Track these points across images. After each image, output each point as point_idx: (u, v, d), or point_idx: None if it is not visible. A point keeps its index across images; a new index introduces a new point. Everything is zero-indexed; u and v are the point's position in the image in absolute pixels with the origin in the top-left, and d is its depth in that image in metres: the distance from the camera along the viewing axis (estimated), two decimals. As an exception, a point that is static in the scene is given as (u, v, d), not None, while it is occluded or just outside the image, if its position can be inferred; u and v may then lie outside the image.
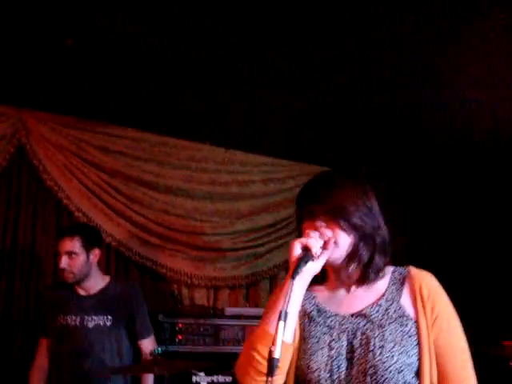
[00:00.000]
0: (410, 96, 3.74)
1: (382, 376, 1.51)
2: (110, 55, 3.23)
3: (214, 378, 3.55)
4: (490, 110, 3.96)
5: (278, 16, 2.85)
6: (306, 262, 1.53)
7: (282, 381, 1.58)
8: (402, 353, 1.54)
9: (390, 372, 1.51)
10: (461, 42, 3.08)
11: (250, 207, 4.66)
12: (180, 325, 3.75)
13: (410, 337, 1.56)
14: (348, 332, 1.60)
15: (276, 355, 1.34)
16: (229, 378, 3.56)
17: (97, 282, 3.30)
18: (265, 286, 4.68)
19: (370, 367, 1.52)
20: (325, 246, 1.58)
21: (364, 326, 1.59)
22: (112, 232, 4.09)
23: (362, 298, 1.66)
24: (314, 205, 1.65)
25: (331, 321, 1.64)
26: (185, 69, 3.40)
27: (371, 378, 1.51)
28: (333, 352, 1.58)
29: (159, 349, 2.76)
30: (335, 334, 1.61)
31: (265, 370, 1.36)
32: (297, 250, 1.56)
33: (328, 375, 1.56)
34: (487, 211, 4.97)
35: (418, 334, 1.58)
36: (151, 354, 2.74)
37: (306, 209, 1.68)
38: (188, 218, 4.37)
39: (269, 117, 4.10)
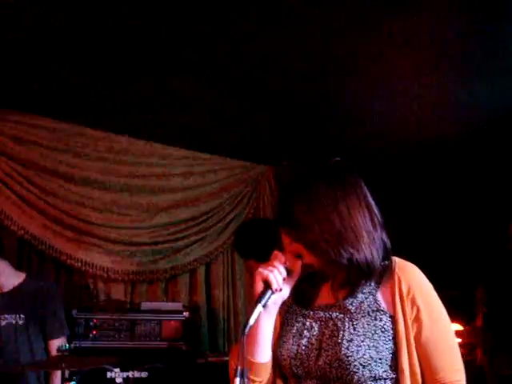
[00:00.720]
0: (338, 86, 3.79)
1: (347, 369, 1.49)
2: (23, 41, 3.11)
3: (130, 374, 3.49)
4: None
5: (196, 8, 2.83)
6: (266, 302, 1.50)
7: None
8: (370, 347, 1.51)
9: (355, 366, 1.49)
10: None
11: (170, 201, 4.61)
12: (95, 320, 3.68)
13: (383, 332, 1.53)
14: (321, 321, 1.58)
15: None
16: (144, 374, 3.51)
17: (9, 280, 3.20)
18: (184, 280, 4.64)
19: (336, 360, 1.50)
20: (288, 274, 1.55)
21: (336, 317, 1.57)
22: (25, 225, 3.95)
23: (340, 289, 1.61)
24: (277, 222, 1.59)
25: (306, 309, 1.62)
26: (105, 59, 3.33)
27: (336, 370, 1.50)
28: (303, 341, 1.56)
29: (66, 345, 2.69)
30: (308, 322, 1.59)
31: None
32: (259, 286, 1.52)
33: (298, 363, 1.55)
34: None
35: (395, 329, 1.54)
36: (58, 350, 2.68)
37: (279, 226, 1.60)
38: (105, 211, 4.27)
39: (190, 110, 4.07)
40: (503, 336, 3.09)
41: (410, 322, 1.55)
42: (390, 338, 1.54)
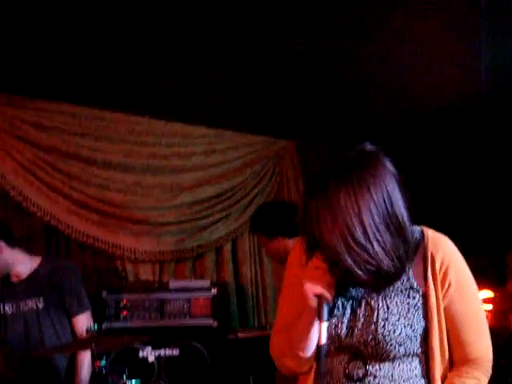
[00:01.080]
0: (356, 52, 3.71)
1: (383, 348, 1.51)
2: (41, 27, 3.11)
3: (161, 352, 3.52)
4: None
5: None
6: (328, 314, 1.48)
7: None
8: (406, 326, 1.51)
9: (392, 345, 1.50)
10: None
11: (193, 180, 4.61)
12: (124, 301, 3.72)
13: (416, 310, 1.54)
14: (352, 300, 1.57)
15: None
16: (176, 351, 3.54)
17: (25, 266, 3.24)
18: (211, 257, 4.66)
19: (372, 339, 1.51)
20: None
21: (369, 296, 1.56)
22: (50, 210, 3.99)
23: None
24: (317, 232, 1.46)
25: (336, 287, 1.52)
26: (123, 41, 3.32)
27: (372, 348, 1.51)
28: (334, 320, 1.55)
29: (95, 324, 2.72)
30: (339, 301, 1.57)
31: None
32: (313, 301, 1.49)
33: (329, 341, 1.54)
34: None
35: (426, 306, 1.54)
36: (86, 331, 2.71)
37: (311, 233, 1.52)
38: (129, 193, 4.30)
39: (209, 87, 4.04)
40: None
41: (440, 297, 1.55)
42: (423, 315, 1.54)
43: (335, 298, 1.54)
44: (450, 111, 4.62)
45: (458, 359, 1.61)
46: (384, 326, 1.51)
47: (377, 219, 1.40)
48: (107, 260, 4.24)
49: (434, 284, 1.55)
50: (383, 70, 3.94)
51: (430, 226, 1.66)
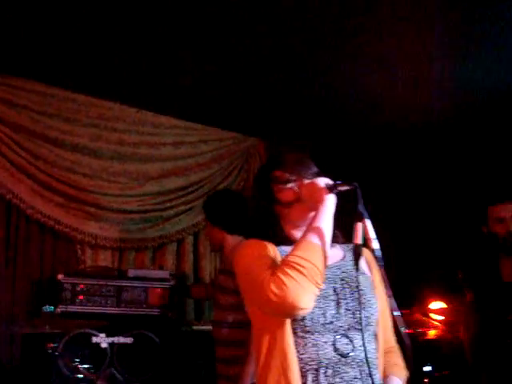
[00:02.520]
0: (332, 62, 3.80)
1: (368, 311, 1.69)
2: (13, 3, 3.07)
3: (115, 339, 3.53)
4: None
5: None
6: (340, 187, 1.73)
7: None
8: (375, 298, 1.76)
9: (374, 309, 1.72)
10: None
11: (160, 170, 4.61)
12: (81, 285, 3.69)
13: (373, 289, 1.78)
14: (328, 279, 1.71)
15: (375, 246, 1.61)
16: (130, 340, 3.55)
17: None
18: (172, 249, 4.66)
19: (358, 304, 1.67)
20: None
21: (340, 274, 1.75)
22: (13, 189, 3.93)
23: (330, 255, 1.73)
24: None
25: None
26: (100, 23, 3.29)
27: (360, 314, 1.66)
28: (322, 292, 1.65)
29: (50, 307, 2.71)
30: None
31: (319, 281, 1.57)
32: (322, 185, 1.73)
33: (321, 313, 1.65)
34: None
35: (373, 288, 1.80)
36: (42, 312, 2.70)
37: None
38: (94, 178, 4.27)
39: (183, 79, 4.04)
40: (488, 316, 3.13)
41: (376, 285, 1.81)
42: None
43: None
44: (413, 129, 4.74)
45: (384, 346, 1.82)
46: (365, 294, 1.71)
47: None
48: (67, 243, 4.20)
49: (373, 272, 1.85)
50: (355, 81, 4.03)
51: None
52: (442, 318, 4.88)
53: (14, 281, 3.89)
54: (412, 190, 5.41)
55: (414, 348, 1.61)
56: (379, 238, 1.71)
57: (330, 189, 1.71)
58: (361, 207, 1.64)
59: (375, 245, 1.60)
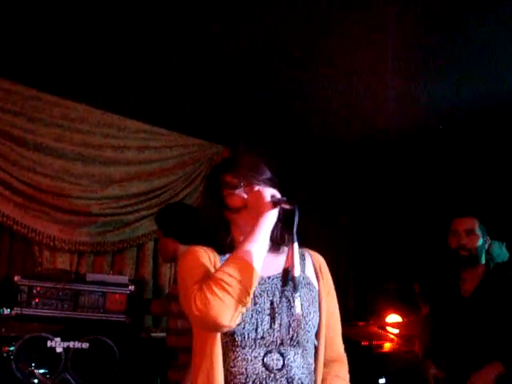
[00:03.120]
0: (295, 74, 3.82)
1: (303, 328, 1.67)
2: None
3: (71, 344, 3.46)
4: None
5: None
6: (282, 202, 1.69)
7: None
8: (314, 312, 1.73)
9: (309, 326, 1.69)
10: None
11: (123, 173, 4.56)
12: (38, 288, 3.61)
13: (315, 302, 1.76)
14: (267, 291, 1.70)
15: (296, 273, 1.58)
16: (85, 345, 3.49)
17: None
18: (132, 254, 4.61)
19: (294, 320, 1.65)
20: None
21: (281, 287, 1.71)
22: (-29, 187, 3.84)
23: (274, 264, 1.76)
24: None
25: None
26: (68, 23, 3.25)
27: (293, 330, 1.65)
28: (257, 307, 1.65)
29: (2, 309, 2.65)
30: (256, 292, 1.68)
31: (245, 300, 1.54)
32: (268, 196, 1.69)
33: (252, 328, 1.63)
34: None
35: (319, 301, 1.78)
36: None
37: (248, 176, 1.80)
38: (56, 179, 4.19)
39: (151, 83, 4.02)
40: (443, 331, 3.19)
41: (325, 297, 1.81)
42: (318, 308, 1.77)
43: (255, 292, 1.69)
44: (378, 143, 4.83)
45: (330, 355, 1.82)
46: (302, 308, 1.68)
47: None
48: (25, 245, 4.11)
49: (323, 284, 1.83)
50: (318, 92, 4.08)
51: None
52: (397, 331, 4.96)
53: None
54: (372, 203, 5.49)
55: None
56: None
57: (274, 203, 1.68)
58: (295, 230, 1.61)
59: (297, 272, 1.59)
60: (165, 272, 4.70)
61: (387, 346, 4.73)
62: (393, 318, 5.04)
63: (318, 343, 1.75)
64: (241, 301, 1.54)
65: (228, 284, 1.53)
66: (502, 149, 4.65)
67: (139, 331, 4.01)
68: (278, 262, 1.75)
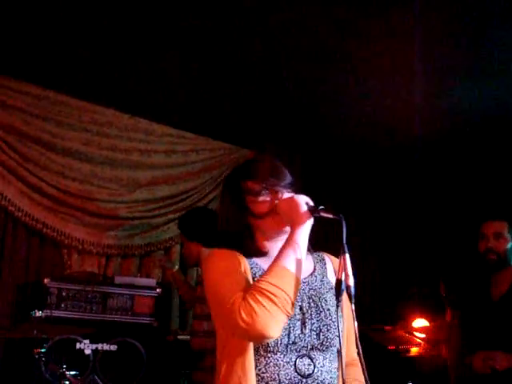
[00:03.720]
0: (321, 80, 3.84)
1: (333, 333, 1.65)
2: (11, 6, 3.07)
3: (99, 346, 3.50)
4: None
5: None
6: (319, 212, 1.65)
7: None
8: (340, 317, 1.68)
9: (339, 331, 1.64)
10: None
11: (150, 177, 4.60)
12: (67, 290, 3.67)
13: (338, 307, 1.63)
14: (296, 297, 1.64)
15: (351, 282, 1.54)
16: (114, 347, 3.52)
17: None
18: (159, 257, 4.62)
19: (324, 325, 1.64)
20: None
21: (308, 291, 1.70)
22: (2, 190, 3.91)
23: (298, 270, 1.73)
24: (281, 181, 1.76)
25: None
26: (96, 31, 3.31)
27: (324, 335, 1.64)
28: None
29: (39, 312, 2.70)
30: None
31: (290, 311, 1.53)
32: (304, 205, 1.65)
33: (285, 333, 1.61)
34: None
35: (341, 306, 1.70)
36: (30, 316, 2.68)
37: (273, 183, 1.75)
38: (84, 183, 4.25)
39: (177, 88, 4.06)
40: (474, 335, 3.16)
41: (345, 301, 1.71)
42: (341, 314, 1.71)
43: None
44: (403, 148, 4.80)
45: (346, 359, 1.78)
46: (330, 313, 1.67)
47: None
48: (54, 247, 4.17)
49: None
50: (348, 97, 4.07)
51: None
52: (424, 335, 4.92)
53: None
54: (399, 209, 5.45)
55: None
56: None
57: (312, 211, 1.65)
58: (345, 241, 1.57)
59: (351, 281, 1.54)
60: (192, 274, 4.72)
61: (414, 350, 4.68)
62: (419, 322, 4.99)
63: (341, 347, 1.70)
64: (286, 311, 1.54)
65: (274, 294, 1.52)
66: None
67: (166, 334, 4.03)
68: (303, 267, 1.70)
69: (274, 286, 1.54)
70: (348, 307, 1.75)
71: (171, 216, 4.64)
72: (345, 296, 1.73)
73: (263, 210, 1.74)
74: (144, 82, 3.98)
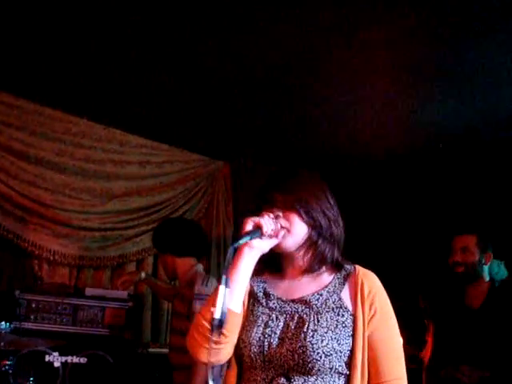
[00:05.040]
0: (296, 92, 3.85)
1: (310, 356, 1.57)
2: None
3: (69, 359, 3.44)
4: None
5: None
6: (252, 238, 1.61)
7: (230, 351, 1.64)
8: (333, 339, 1.60)
9: (318, 354, 1.57)
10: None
11: (124, 188, 4.57)
12: (37, 302, 3.61)
13: (344, 327, 1.63)
14: (286, 314, 1.67)
15: (216, 315, 1.50)
16: (84, 360, 3.47)
17: None
18: (131, 269, 4.60)
19: (300, 347, 1.58)
20: (276, 232, 1.67)
21: (302, 310, 1.67)
22: (-28, 200, 3.85)
23: (306, 286, 1.73)
24: (278, 193, 1.73)
25: (273, 303, 1.71)
26: (70, 40, 3.28)
27: (299, 357, 1.57)
28: (267, 330, 1.64)
29: (6, 324, 2.65)
30: (274, 315, 1.68)
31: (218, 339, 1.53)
32: (248, 226, 1.63)
33: (258, 351, 1.61)
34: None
35: (354, 326, 1.64)
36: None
37: (268, 196, 1.74)
38: (56, 193, 4.20)
39: (152, 99, 4.05)
40: (445, 347, 3.19)
41: (366, 322, 1.66)
42: (350, 334, 1.64)
43: (270, 311, 1.69)
44: (378, 161, 4.85)
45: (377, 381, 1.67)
46: (313, 335, 1.59)
47: (334, 206, 1.80)
48: (24, 258, 4.11)
49: (362, 308, 1.67)
50: (324, 109, 4.10)
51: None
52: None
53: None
54: (375, 221, 5.48)
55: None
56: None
57: (248, 235, 1.64)
58: (225, 270, 1.56)
59: (217, 314, 1.52)
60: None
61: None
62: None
63: (351, 372, 1.62)
64: (214, 341, 1.57)
65: (202, 327, 1.59)
66: (502, 166, 4.66)
67: (137, 347, 3.99)
68: (311, 286, 1.73)
69: (204, 319, 1.59)
70: (385, 330, 1.67)
71: (144, 228, 4.62)
72: (372, 314, 1.66)
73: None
74: (119, 92, 3.95)
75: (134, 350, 3.89)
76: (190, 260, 3.21)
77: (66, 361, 3.37)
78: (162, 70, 3.61)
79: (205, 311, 1.60)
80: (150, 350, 3.99)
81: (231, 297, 1.58)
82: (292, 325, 1.64)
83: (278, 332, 1.63)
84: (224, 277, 1.52)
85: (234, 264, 1.63)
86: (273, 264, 1.80)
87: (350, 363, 1.62)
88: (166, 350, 3.91)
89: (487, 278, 3.19)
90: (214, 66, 3.54)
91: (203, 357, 1.58)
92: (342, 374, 1.62)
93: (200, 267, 3.22)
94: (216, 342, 1.56)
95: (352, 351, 1.63)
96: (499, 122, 4.11)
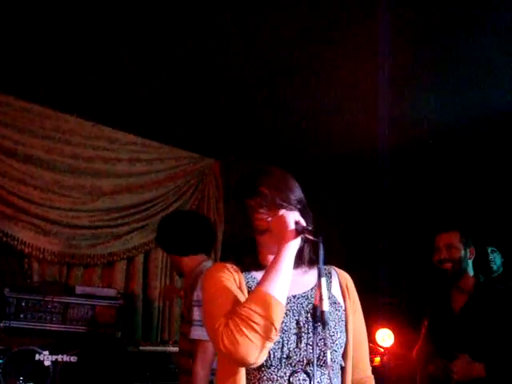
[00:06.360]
0: (285, 89, 3.86)
1: (330, 347, 1.63)
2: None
3: (59, 357, 3.43)
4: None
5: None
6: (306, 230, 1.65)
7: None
8: (341, 331, 1.71)
9: (337, 345, 1.66)
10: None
11: (113, 186, 4.54)
12: (26, 301, 3.59)
13: (341, 321, 1.74)
14: (293, 311, 1.68)
15: (325, 308, 1.50)
16: (74, 358, 3.46)
17: None
18: (121, 267, 4.58)
19: (320, 339, 1.59)
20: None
21: (306, 306, 1.70)
22: (-41, 198, 3.82)
23: (300, 283, 1.75)
24: (282, 194, 1.76)
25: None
26: (59, 35, 3.26)
27: (320, 349, 1.61)
28: (282, 325, 1.62)
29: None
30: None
31: (274, 336, 1.52)
32: (292, 223, 1.65)
33: (278, 347, 1.61)
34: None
35: (346, 320, 1.76)
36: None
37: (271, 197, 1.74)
38: (46, 191, 4.17)
39: (142, 96, 4.03)
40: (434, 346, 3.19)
41: (351, 316, 1.78)
42: (344, 328, 1.75)
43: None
44: (367, 158, 4.86)
45: (356, 377, 1.80)
46: (328, 328, 1.62)
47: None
48: (14, 257, 4.08)
49: (349, 303, 1.81)
50: (312, 109, 4.11)
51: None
52: (387, 345, 4.96)
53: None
54: (364, 217, 5.50)
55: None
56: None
57: (298, 232, 1.65)
58: (321, 265, 1.55)
59: (325, 307, 1.51)
60: (155, 286, 4.68)
61: (377, 360, 4.73)
62: (383, 332, 5.04)
63: (345, 364, 1.72)
64: (268, 338, 1.52)
65: (255, 323, 1.52)
66: (489, 162, 4.69)
67: (128, 345, 3.98)
68: (304, 281, 1.75)
69: (256, 312, 1.53)
70: (358, 321, 1.82)
71: (134, 225, 4.60)
72: (354, 309, 1.81)
73: (262, 227, 1.75)
74: (108, 89, 3.93)
75: (124, 348, 3.88)
76: (196, 257, 3.06)
77: (56, 359, 3.38)
78: (151, 67, 3.59)
79: (265, 312, 1.54)
80: (141, 348, 3.98)
81: (285, 291, 1.61)
82: (302, 320, 1.67)
83: (292, 328, 1.64)
84: (324, 268, 1.55)
85: (284, 257, 1.63)
86: (255, 261, 1.80)
87: (344, 356, 1.73)
88: (156, 348, 3.93)
89: (472, 273, 3.20)
90: (203, 64, 3.54)
91: (252, 357, 1.52)
92: (341, 366, 1.72)
93: (209, 264, 3.00)
94: (272, 341, 1.54)
95: (346, 343, 1.74)
96: (488, 117, 4.13)
